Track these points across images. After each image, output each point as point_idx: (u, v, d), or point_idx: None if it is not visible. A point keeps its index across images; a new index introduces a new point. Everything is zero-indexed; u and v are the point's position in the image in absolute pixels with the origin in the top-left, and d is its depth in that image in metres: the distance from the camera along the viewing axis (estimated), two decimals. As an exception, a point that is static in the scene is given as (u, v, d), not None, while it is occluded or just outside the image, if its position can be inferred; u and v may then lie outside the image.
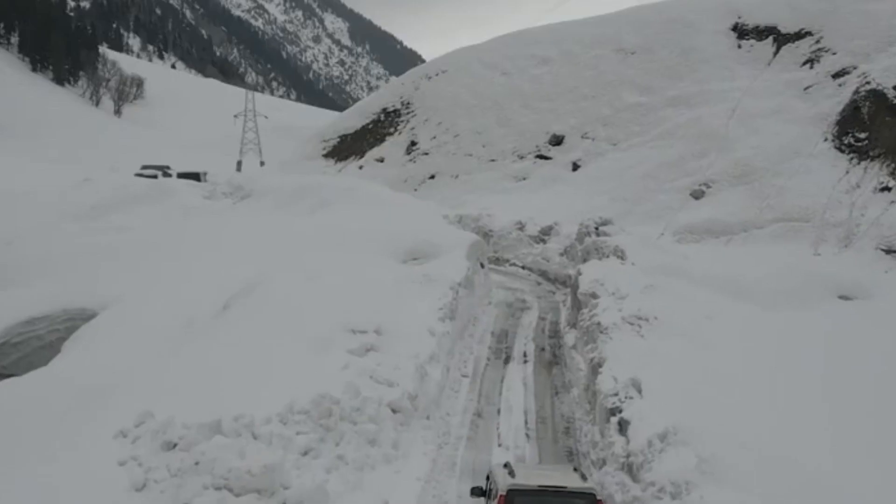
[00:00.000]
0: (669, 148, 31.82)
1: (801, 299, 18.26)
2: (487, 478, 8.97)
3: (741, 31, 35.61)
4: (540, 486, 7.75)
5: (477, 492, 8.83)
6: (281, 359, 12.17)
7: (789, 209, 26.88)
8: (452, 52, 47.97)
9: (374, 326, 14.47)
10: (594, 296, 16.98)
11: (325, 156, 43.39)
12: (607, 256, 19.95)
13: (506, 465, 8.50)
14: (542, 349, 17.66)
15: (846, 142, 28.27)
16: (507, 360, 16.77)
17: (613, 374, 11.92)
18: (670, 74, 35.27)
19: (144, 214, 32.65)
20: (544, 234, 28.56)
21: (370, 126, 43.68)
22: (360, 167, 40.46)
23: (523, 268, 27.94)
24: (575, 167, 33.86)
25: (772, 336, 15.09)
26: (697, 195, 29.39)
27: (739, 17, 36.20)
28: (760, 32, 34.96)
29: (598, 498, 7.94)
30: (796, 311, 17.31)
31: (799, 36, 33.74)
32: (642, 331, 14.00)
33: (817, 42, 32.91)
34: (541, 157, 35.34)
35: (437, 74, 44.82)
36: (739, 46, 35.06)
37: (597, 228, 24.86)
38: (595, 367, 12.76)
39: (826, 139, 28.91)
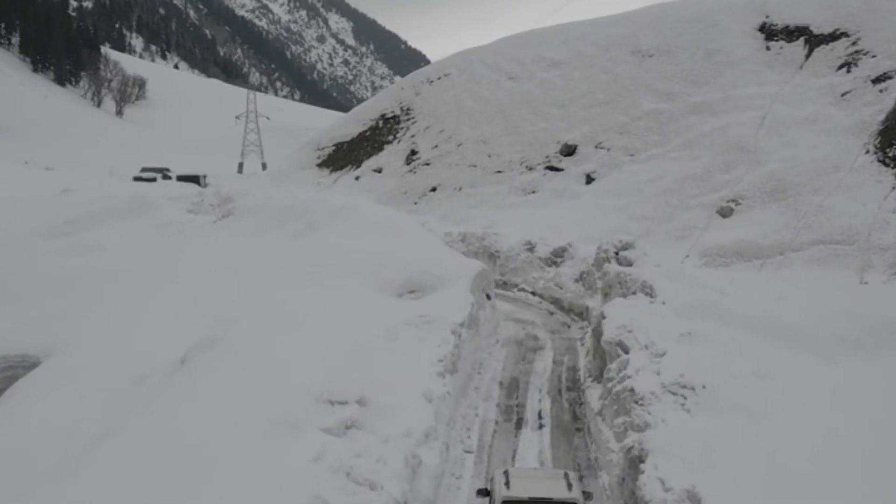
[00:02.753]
0: (693, 160, 29.06)
1: (863, 347, 15.48)
2: (491, 479, 9.50)
3: (769, 32, 32.81)
4: (530, 498, 8.52)
5: (483, 492, 9.46)
6: (233, 453, 9.54)
7: (830, 230, 24.10)
8: (456, 55, 45.19)
9: (358, 395, 11.83)
10: (623, 347, 14.32)
11: (320, 165, 40.63)
12: (633, 293, 17.27)
13: (505, 473, 9.21)
14: (561, 407, 14.99)
15: (891, 154, 25.48)
16: (519, 424, 14.12)
17: (661, 477, 9.25)
18: (692, 79, 32.50)
19: (120, 231, 30.34)
20: (557, 257, 25.90)
21: (367, 134, 40.92)
22: (357, 178, 37.72)
23: (533, 294, 25.33)
24: (589, 180, 31.13)
25: (845, 401, 12.41)
26: (725, 213, 26.64)
27: (767, 17, 33.40)
28: (791, 33, 32.16)
29: None
30: (862, 363, 14.60)
31: (833, 37, 30.93)
32: (688, 404, 11.31)
33: (854, 44, 30.11)
34: (551, 168, 32.62)
35: (438, 78, 42.03)
36: (768, 48, 32.27)
37: (617, 253, 22.21)
38: (635, 461, 10.07)
39: (868, 151, 26.13)
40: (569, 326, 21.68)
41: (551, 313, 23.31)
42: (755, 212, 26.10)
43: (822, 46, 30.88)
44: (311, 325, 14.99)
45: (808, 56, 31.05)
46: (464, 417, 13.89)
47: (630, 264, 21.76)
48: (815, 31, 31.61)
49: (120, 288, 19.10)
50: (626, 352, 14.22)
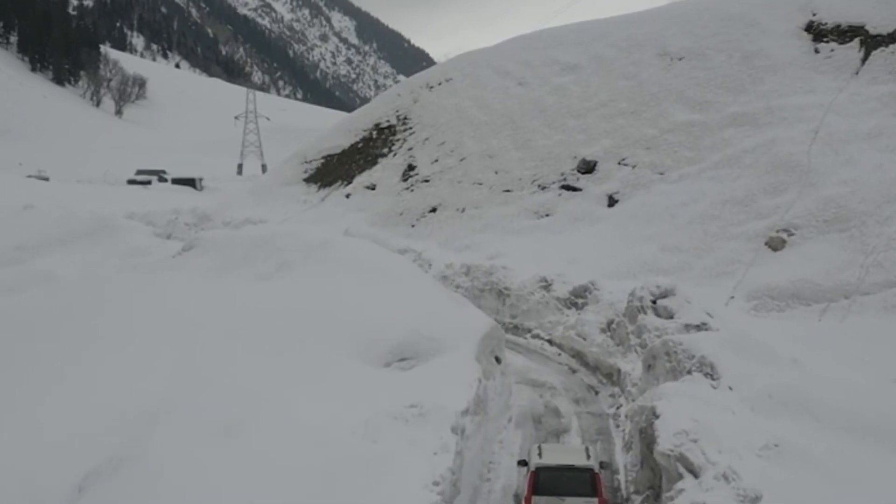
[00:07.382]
0: (734, 180, 25.12)
1: None
2: (528, 452, 11.93)
3: (818, 32, 28.83)
4: (557, 465, 10.94)
5: (523, 463, 11.78)
6: None
7: (905, 269, 20.15)
8: (458, 57, 41.30)
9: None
10: (686, 464, 10.46)
11: (307, 180, 36.76)
12: (688, 372, 13.34)
13: (538, 447, 11.66)
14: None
15: (973, 178, 21.55)
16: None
17: None
18: (729, 86, 28.54)
19: (75, 260, 26.96)
20: (578, 297, 22.03)
21: (360, 145, 37.01)
22: (347, 196, 33.84)
23: (550, 342, 21.44)
24: (612, 202, 27.19)
25: None
26: (776, 245, 22.68)
27: (815, 15, 29.42)
28: (843, 33, 28.16)
29: (596, 472, 10.88)
30: None
31: (894, 38, 27.02)
32: None
33: (919, 46, 26.16)
34: (567, 187, 28.69)
35: (439, 83, 38.09)
36: (817, 51, 28.28)
37: (654, 302, 18.34)
38: None
39: (945, 173, 22.19)
40: (596, 393, 17.79)
41: (573, 371, 19.46)
42: (812, 244, 22.15)
43: (882, 49, 26.93)
44: (261, 427, 11.21)
45: (864, 60, 27.06)
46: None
47: (671, 316, 17.94)
48: (872, 30, 27.66)
49: (33, 353, 15.21)
50: (693, 472, 10.36)
